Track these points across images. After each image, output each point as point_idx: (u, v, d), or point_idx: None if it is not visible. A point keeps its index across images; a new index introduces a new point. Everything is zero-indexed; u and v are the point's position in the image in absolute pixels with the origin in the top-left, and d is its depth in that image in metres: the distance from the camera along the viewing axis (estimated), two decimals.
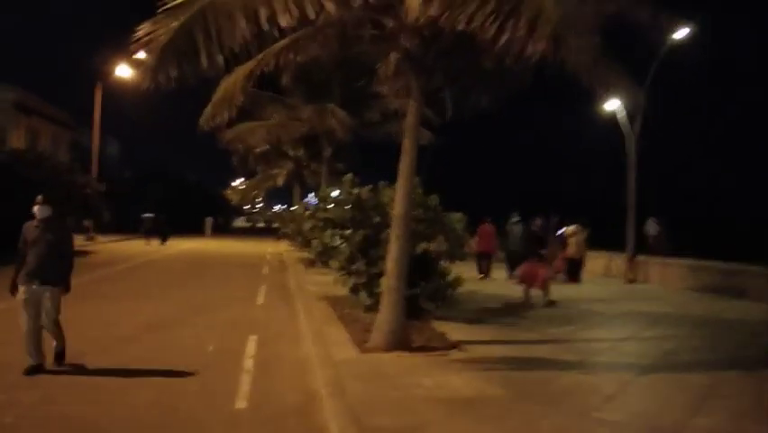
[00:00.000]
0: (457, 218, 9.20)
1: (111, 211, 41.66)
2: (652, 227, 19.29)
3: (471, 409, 4.96)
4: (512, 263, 14.88)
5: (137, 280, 14.99)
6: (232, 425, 4.84)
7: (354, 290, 9.16)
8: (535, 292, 11.43)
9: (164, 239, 33.35)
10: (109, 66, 31.84)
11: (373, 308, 9.04)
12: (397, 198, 7.27)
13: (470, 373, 6.11)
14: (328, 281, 13.40)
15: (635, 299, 12.88)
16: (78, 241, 28.92)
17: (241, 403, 5.34)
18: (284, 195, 64.10)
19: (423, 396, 5.26)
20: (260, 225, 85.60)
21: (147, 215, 35.13)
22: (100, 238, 32.36)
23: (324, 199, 9.91)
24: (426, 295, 8.85)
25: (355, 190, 9.52)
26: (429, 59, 7.21)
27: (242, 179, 52.31)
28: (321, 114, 16.42)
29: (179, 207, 45.37)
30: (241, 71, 7.86)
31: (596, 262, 17.33)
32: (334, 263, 9.27)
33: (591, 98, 18.29)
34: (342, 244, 9.55)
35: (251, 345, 7.68)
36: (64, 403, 5.19)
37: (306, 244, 19.62)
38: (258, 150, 29.75)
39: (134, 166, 60.54)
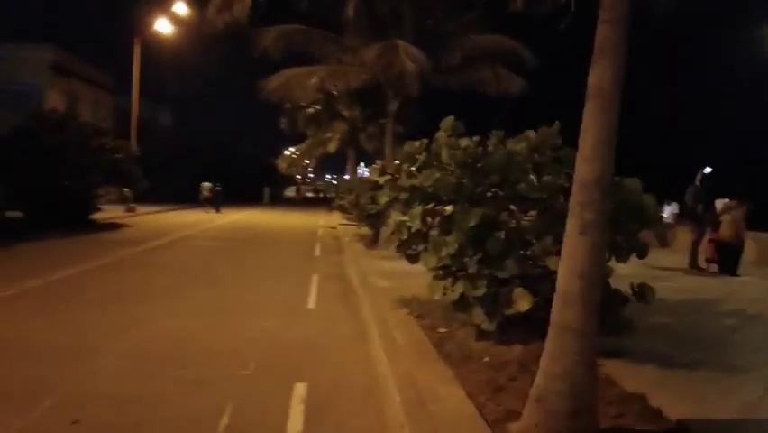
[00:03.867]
0: (635, 187, 5.45)
1: (158, 180, 40.38)
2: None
3: None
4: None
5: (158, 267, 11.91)
6: None
7: (462, 303, 5.62)
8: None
9: (218, 208, 33.68)
10: (148, 20, 29.07)
11: (495, 337, 5.54)
12: (584, 147, 3.62)
13: None
14: (400, 270, 9.99)
15: None
16: (115, 212, 26.68)
17: None
18: (337, 164, 61.53)
19: None
20: (309, 194, 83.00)
21: (205, 183, 35.36)
22: (142, 209, 30.02)
23: (410, 158, 6.31)
24: None
25: (463, 142, 5.90)
26: None
27: (293, 149, 49.59)
28: (389, 53, 12.75)
29: (236, 177, 45.71)
30: None
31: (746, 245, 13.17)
32: (429, 259, 5.73)
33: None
34: (436, 228, 6.03)
35: (296, 413, 4.30)
36: None
37: (368, 220, 16.25)
38: (308, 110, 26.48)
39: (188, 135, 58.98)
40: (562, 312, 3.66)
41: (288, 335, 6.55)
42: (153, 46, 30.43)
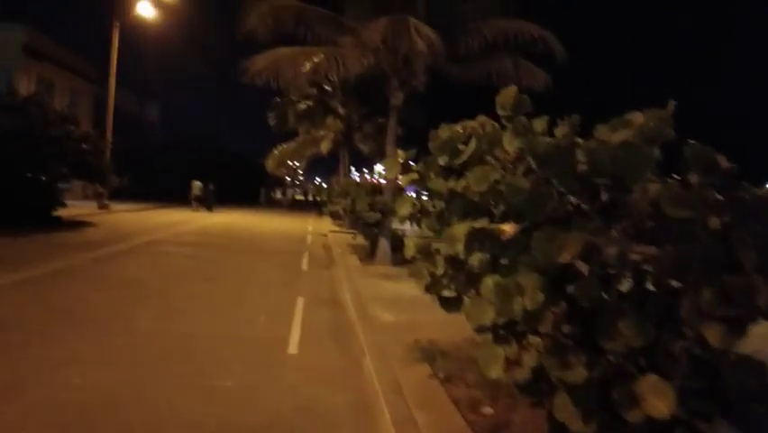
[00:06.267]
0: None
1: (144, 177, 38.53)
2: None
3: None
4: None
5: (102, 280, 9.64)
6: None
7: (536, 386, 3.44)
8: None
9: (210, 208, 32.64)
10: (129, 4, 26.85)
11: None
12: None
13: None
14: (406, 297, 7.89)
15: None
16: (85, 209, 24.30)
17: None
18: (327, 167, 59.93)
19: None
20: (299, 197, 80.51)
21: (196, 182, 33.89)
22: (119, 207, 27.73)
23: (452, 149, 4.12)
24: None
25: (538, 125, 3.74)
26: None
27: (282, 147, 47.42)
28: (397, 30, 10.60)
29: (229, 176, 44.57)
30: None
31: None
32: (484, 311, 3.55)
33: None
34: (479, 258, 3.86)
35: None
36: None
37: (365, 230, 14.11)
38: (300, 105, 24.27)
39: (177, 132, 56.99)
40: None
41: (253, 409, 4.33)
42: (138, 39, 28.37)
